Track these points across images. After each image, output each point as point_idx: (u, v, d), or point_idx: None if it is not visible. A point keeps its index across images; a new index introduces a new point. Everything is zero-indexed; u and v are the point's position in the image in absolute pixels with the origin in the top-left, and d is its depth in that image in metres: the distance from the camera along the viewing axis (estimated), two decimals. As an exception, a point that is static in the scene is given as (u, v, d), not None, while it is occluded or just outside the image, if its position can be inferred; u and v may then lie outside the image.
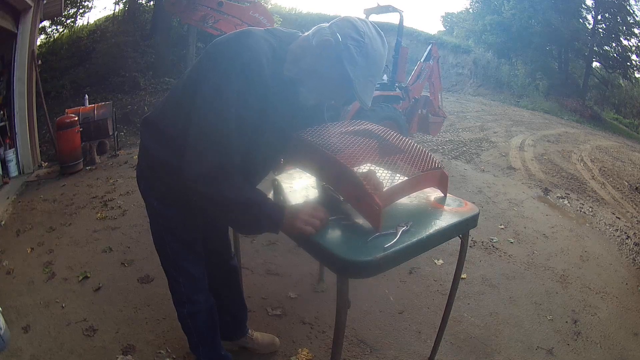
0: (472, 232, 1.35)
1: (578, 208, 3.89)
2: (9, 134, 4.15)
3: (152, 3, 9.42)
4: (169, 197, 1.19)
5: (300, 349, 1.75)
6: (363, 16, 1.17)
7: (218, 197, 0.99)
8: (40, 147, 4.77)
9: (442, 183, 1.27)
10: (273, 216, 1.03)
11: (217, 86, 0.97)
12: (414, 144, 1.27)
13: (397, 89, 4.61)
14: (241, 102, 0.97)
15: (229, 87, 0.96)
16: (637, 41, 15.32)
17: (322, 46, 1.00)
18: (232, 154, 1.00)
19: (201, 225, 1.30)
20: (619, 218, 3.74)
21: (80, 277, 2.27)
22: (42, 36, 8.85)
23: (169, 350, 1.73)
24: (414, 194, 1.24)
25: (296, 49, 1.05)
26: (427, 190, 1.29)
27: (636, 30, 15.18)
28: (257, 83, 0.98)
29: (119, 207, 3.30)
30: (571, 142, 7.76)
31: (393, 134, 1.30)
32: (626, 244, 3.17)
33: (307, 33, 1.07)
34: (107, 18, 10.12)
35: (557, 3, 15.26)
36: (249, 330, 1.70)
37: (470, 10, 20.48)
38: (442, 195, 1.28)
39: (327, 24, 1.03)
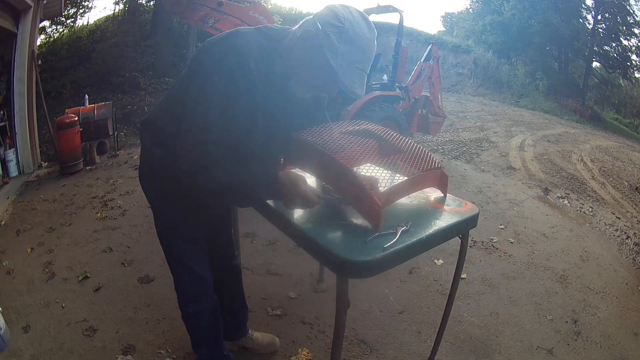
0: (472, 232, 1.34)
1: (578, 208, 3.89)
2: (9, 134, 4.15)
3: (152, 3, 9.42)
4: (169, 196, 1.21)
5: (300, 349, 1.75)
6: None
7: (207, 185, 1.01)
8: (40, 147, 4.77)
9: (442, 183, 1.27)
10: (270, 178, 1.04)
11: (202, 87, 1.00)
12: (413, 144, 1.27)
13: (397, 89, 4.60)
14: (224, 102, 0.99)
15: (213, 89, 0.99)
16: (637, 41, 15.31)
17: (304, 37, 1.01)
18: (211, 149, 1.00)
19: (203, 224, 1.31)
20: (619, 218, 3.74)
21: (80, 277, 2.27)
22: (42, 36, 8.84)
23: (169, 350, 1.73)
24: (414, 194, 1.24)
25: (286, 44, 1.07)
26: (427, 190, 1.29)
27: (636, 30, 15.17)
28: (242, 83, 1.00)
29: (119, 207, 3.30)
30: (571, 142, 7.76)
31: (393, 134, 1.30)
32: (626, 244, 3.17)
33: (295, 27, 1.08)
34: (107, 18, 10.11)
35: (557, 3, 15.25)
36: (249, 330, 1.70)
37: (470, 10, 20.49)
38: (442, 195, 1.28)
39: (312, 16, 1.03)
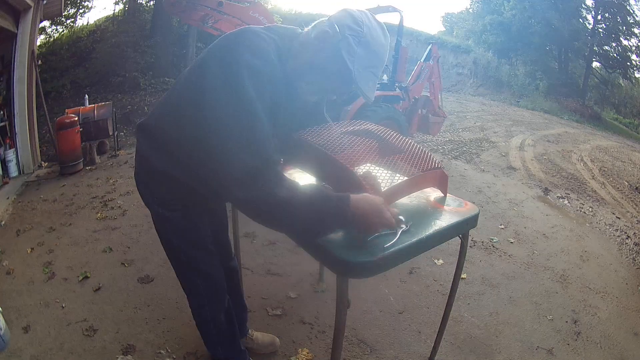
0: (472, 232, 1.34)
1: (578, 208, 3.89)
2: (9, 134, 4.15)
3: (152, 3, 9.43)
4: (170, 201, 1.17)
5: (300, 349, 1.75)
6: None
7: (271, 199, 0.90)
8: (40, 147, 4.77)
9: (442, 183, 1.27)
10: (340, 202, 0.92)
11: (232, 91, 0.91)
12: (414, 144, 1.27)
13: (397, 89, 4.61)
14: (259, 101, 0.92)
15: (246, 88, 0.91)
16: (637, 41, 15.34)
17: (320, 38, 0.99)
18: (269, 149, 0.93)
19: (208, 223, 1.29)
20: (619, 218, 3.74)
21: (80, 277, 2.27)
22: (42, 36, 8.86)
23: (169, 350, 1.73)
24: (414, 194, 1.24)
25: (297, 45, 1.04)
26: (427, 190, 1.29)
27: (636, 30, 15.20)
28: (268, 80, 0.95)
29: (119, 207, 3.30)
30: (571, 142, 7.76)
31: (393, 134, 1.30)
32: (626, 244, 3.17)
33: (307, 28, 1.06)
34: (107, 18, 10.13)
35: (557, 3, 15.27)
36: (249, 330, 1.70)
37: (470, 10, 20.54)
38: (442, 195, 1.28)
39: (327, 18, 1.02)
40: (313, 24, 1.04)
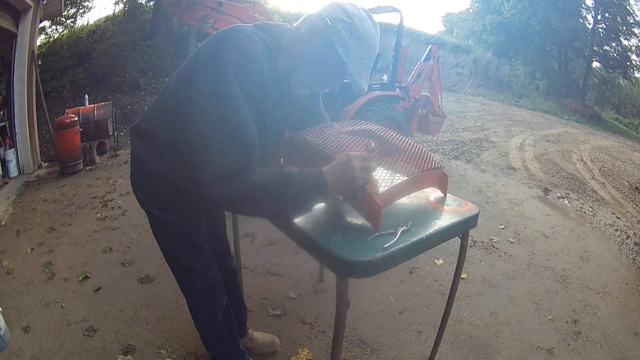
0: (472, 232, 1.34)
1: (578, 208, 3.89)
2: (9, 134, 4.15)
3: (152, 3, 9.44)
4: (167, 203, 1.17)
5: (300, 349, 1.75)
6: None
7: (247, 188, 0.90)
8: (40, 147, 4.77)
9: (442, 183, 1.27)
10: (314, 174, 0.95)
11: (217, 89, 0.92)
12: (414, 144, 1.27)
13: (397, 89, 4.60)
14: (245, 98, 0.92)
15: (230, 86, 0.91)
16: (637, 41, 15.35)
17: (311, 32, 0.99)
18: (250, 148, 0.92)
19: (205, 227, 1.29)
20: (619, 218, 3.74)
21: (80, 277, 2.27)
22: (42, 36, 8.86)
23: (169, 350, 1.73)
24: (414, 194, 1.24)
25: (287, 41, 1.04)
26: (427, 190, 1.29)
27: (636, 30, 15.21)
28: (256, 79, 0.96)
29: (119, 207, 3.30)
30: (571, 142, 7.76)
31: (393, 134, 1.30)
32: (626, 243, 3.17)
33: (296, 23, 1.06)
34: (107, 18, 10.14)
35: (557, 3, 15.28)
36: (249, 330, 1.70)
37: (470, 10, 20.53)
38: (442, 195, 1.28)
39: (316, 11, 1.02)
40: (302, 18, 1.04)
